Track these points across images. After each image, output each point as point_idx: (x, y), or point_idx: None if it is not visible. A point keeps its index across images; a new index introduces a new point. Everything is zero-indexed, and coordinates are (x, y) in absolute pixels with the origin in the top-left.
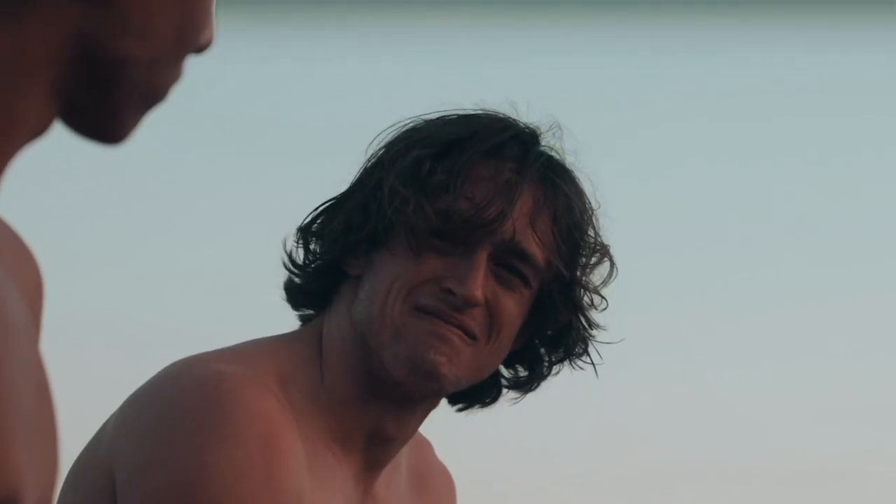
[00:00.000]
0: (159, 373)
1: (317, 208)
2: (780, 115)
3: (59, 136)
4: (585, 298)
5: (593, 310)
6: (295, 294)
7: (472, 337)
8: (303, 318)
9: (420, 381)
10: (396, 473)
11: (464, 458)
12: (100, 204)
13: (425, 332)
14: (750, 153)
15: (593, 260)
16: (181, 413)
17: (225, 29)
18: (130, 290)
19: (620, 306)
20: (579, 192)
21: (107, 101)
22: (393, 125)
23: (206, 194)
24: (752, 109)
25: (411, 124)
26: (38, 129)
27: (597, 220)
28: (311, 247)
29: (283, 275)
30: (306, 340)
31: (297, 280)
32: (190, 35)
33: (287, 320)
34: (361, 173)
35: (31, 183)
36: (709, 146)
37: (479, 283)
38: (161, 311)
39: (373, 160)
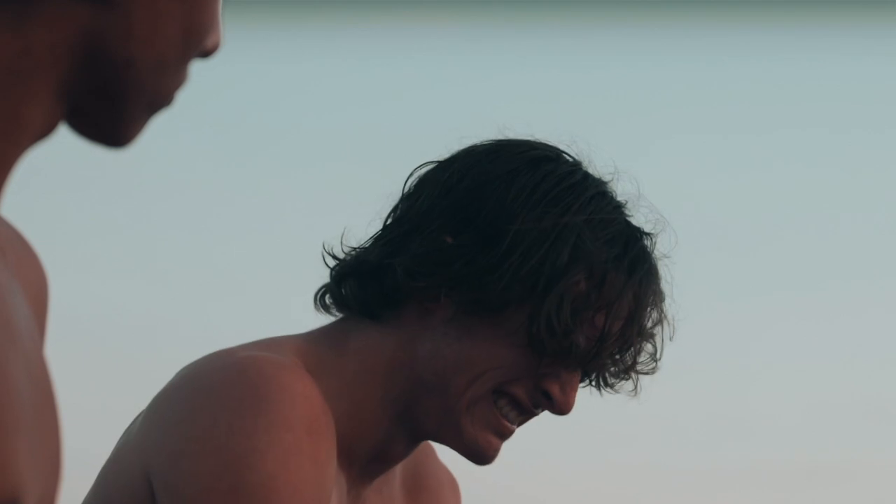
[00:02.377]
0: (187, 368)
1: (416, 215)
2: (784, 124)
3: (63, 138)
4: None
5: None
6: (348, 286)
7: None
8: (322, 301)
9: (471, 459)
10: (388, 476)
11: (464, 457)
12: (103, 206)
13: (495, 428)
14: (750, 154)
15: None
16: (223, 400)
17: (235, 33)
18: (132, 291)
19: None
20: (664, 318)
21: (112, 104)
22: (508, 148)
23: (206, 196)
24: (758, 117)
25: (550, 180)
26: (44, 132)
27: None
28: (395, 255)
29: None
30: (328, 344)
31: (357, 274)
32: (196, 38)
33: (286, 322)
34: (487, 217)
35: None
36: (711, 149)
37: (575, 398)
38: (162, 312)
39: (510, 220)
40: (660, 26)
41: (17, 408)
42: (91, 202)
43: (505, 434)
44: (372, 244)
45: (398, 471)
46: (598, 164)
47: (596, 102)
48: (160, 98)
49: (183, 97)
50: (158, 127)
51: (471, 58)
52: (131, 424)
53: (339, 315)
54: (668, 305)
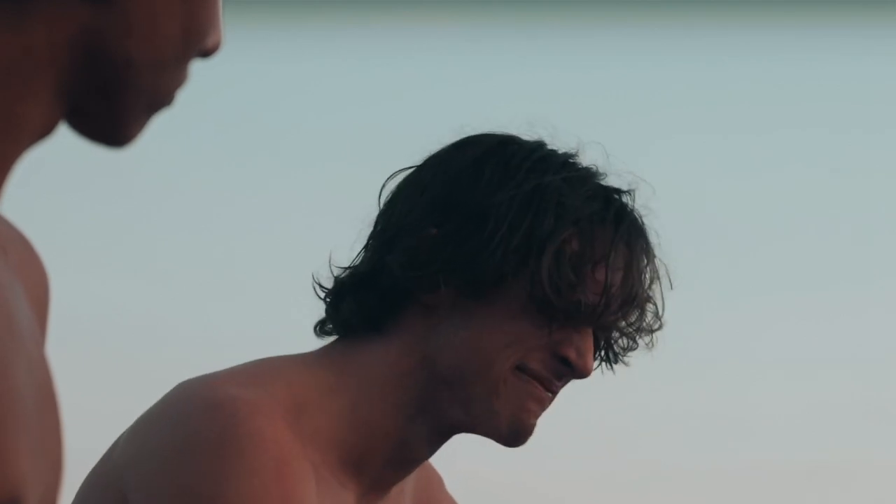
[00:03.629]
0: (172, 392)
1: (396, 220)
2: (784, 124)
3: (64, 138)
4: (622, 342)
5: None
6: (345, 304)
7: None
8: (322, 331)
9: (509, 440)
10: (399, 501)
11: (465, 458)
12: (103, 206)
13: (528, 397)
14: (751, 155)
15: (647, 321)
16: (196, 439)
17: (235, 33)
18: (132, 291)
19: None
20: (658, 269)
21: (111, 104)
22: (473, 139)
23: (207, 195)
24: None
25: (517, 158)
26: (43, 131)
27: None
28: (384, 260)
29: (321, 283)
30: (327, 365)
31: (351, 289)
32: (196, 38)
33: (286, 323)
34: (465, 202)
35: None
36: (711, 150)
37: (592, 358)
38: (162, 312)
39: (488, 198)
40: (660, 26)
41: (18, 407)
42: (91, 202)
43: (542, 400)
44: (360, 258)
45: (408, 500)
46: (562, 143)
47: (596, 102)
48: (160, 98)
49: (183, 97)
50: (161, 126)
51: (471, 57)
52: (118, 438)
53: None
54: (660, 257)
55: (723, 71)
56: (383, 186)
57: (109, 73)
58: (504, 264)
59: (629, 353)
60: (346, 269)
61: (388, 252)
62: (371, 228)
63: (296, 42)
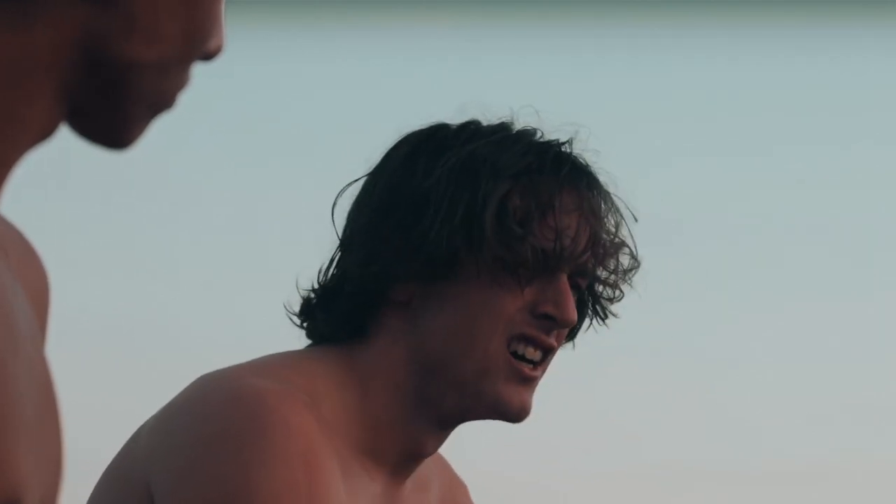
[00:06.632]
0: (195, 386)
1: (351, 228)
2: (778, 115)
3: (66, 139)
4: (607, 292)
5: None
6: (320, 320)
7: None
8: (312, 337)
9: (503, 419)
10: (424, 496)
11: (467, 457)
12: (103, 206)
13: (517, 377)
14: (751, 155)
15: (623, 264)
16: (222, 430)
17: (236, 33)
18: (134, 293)
19: (620, 308)
20: (618, 206)
21: (113, 106)
22: (408, 135)
23: (208, 195)
24: (751, 109)
25: (448, 140)
26: (44, 133)
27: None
28: (345, 268)
29: (290, 298)
30: (334, 360)
31: (322, 304)
32: (198, 40)
33: (290, 325)
34: (405, 192)
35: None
36: (709, 146)
37: (573, 305)
38: (164, 313)
39: (424, 182)
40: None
41: (18, 408)
42: (91, 202)
43: (528, 379)
44: (324, 274)
45: (434, 498)
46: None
47: (597, 103)
48: (161, 100)
49: (186, 98)
50: (164, 126)
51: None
52: (139, 430)
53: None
54: (615, 192)
55: (725, 71)
56: (334, 204)
57: (111, 74)
58: (453, 239)
59: (616, 302)
60: (311, 289)
61: (346, 261)
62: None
63: (295, 43)
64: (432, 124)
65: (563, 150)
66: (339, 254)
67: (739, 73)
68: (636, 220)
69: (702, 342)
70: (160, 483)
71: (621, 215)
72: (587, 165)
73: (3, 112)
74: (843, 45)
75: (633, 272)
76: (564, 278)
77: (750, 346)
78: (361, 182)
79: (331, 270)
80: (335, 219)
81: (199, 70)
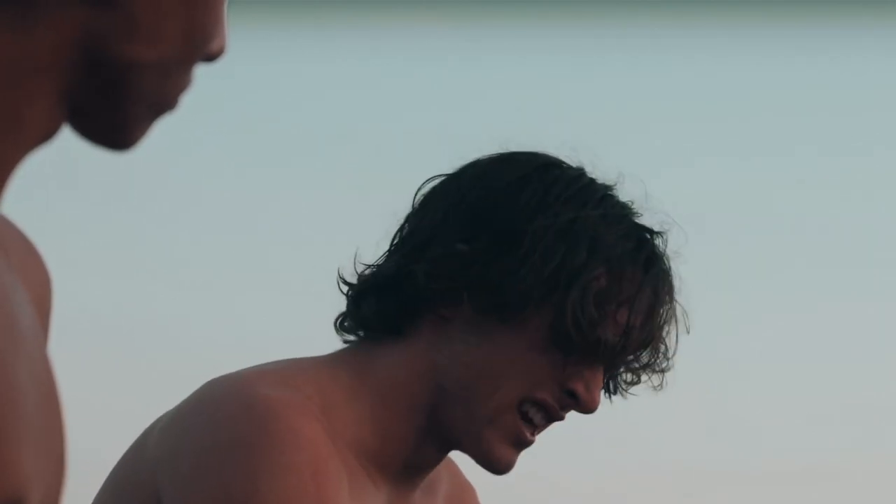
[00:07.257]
0: (205, 390)
1: (429, 225)
2: (781, 115)
3: (67, 140)
4: (631, 378)
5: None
6: (365, 307)
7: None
8: (342, 327)
9: (485, 469)
10: (432, 499)
11: (482, 467)
12: (103, 206)
13: (516, 440)
14: (751, 154)
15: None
16: (232, 437)
17: (237, 33)
18: (135, 292)
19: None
20: (678, 315)
21: (114, 106)
22: (517, 156)
23: (211, 195)
24: (752, 109)
25: (558, 184)
26: (46, 134)
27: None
28: (410, 265)
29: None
30: (347, 368)
31: (374, 291)
32: (199, 41)
33: (293, 326)
34: (502, 219)
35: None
36: (709, 147)
37: (600, 396)
38: (166, 314)
39: (526, 222)
40: (660, 26)
41: (20, 408)
42: (92, 202)
43: (524, 444)
44: (386, 259)
45: (443, 480)
46: (602, 171)
47: (597, 103)
48: (163, 101)
49: (189, 97)
50: (167, 126)
51: (476, 59)
52: (148, 430)
53: (359, 335)
54: (681, 302)
55: (726, 73)
56: (419, 189)
57: (112, 75)
58: (531, 292)
59: (631, 388)
60: (370, 266)
61: (414, 258)
62: (399, 228)
63: (296, 42)
64: (544, 155)
65: (657, 244)
66: (407, 245)
67: (749, 73)
68: (688, 332)
69: (701, 342)
70: (169, 486)
71: (677, 323)
72: (670, 270)
73: (4, 113)
74: (860, 44)
75: (662, 370)
76: (602, 367)
77: (750, 346)
78: (442, 178)
79: (394, 257)
80: (414, 205)
81: (198, 70)
